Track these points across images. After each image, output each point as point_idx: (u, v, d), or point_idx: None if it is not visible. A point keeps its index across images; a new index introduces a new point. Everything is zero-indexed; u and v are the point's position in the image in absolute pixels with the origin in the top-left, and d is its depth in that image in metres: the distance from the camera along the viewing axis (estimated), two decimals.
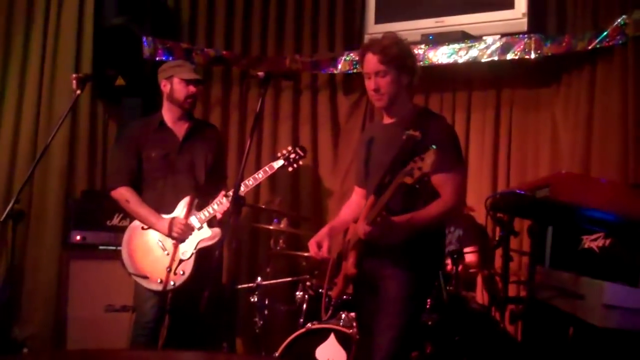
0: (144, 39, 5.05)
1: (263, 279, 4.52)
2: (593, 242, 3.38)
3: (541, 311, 3.04)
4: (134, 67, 5.05)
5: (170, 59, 5.08)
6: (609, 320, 2.33)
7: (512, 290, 3.93)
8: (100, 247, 4.80)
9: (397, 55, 3.06)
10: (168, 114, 4.11)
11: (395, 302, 2.95)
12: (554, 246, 3.62)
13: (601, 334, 2.47)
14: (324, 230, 3.28)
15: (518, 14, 4.60)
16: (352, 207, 3.36)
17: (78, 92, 3.88)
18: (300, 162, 4.21)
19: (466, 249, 4.38)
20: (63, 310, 4.79)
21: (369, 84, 3.11)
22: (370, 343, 3.03)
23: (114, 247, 4.68)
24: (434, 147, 2.52)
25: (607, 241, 3.29)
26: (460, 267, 4.06)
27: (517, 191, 2.77)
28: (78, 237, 4.79)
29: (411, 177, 2.54)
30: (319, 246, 3.21)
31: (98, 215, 4.85)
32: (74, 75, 3.98)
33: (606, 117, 4.34)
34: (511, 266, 3.93)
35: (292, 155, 4.16)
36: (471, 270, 4.30)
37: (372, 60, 3.07)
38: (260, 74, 3.04)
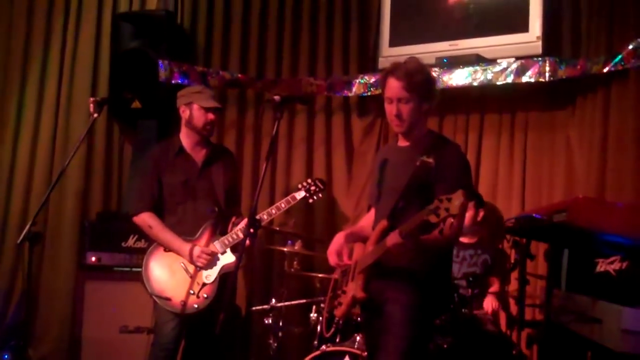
0: (160, 62, 5.12)
1: (277, 301, 4.53)
2: (610, 265, 3.37)
3: (558, 335, 3.03)
4: (150, 90, 5.11)
5: (186, 81, 5.14)
6: (627, 345, 2.32)
7: (528, 314, 3.91)
8: (116, 269, 4.82)
9: (422, 83, 3.05)
10: (186, 139, 4.16)
11: (399, 324, 2.95)
12: (569, 269, 3.61)
13: (619, 358, 2.45)
14: (340, 238, 3.23)
15: (532, 37, 4.61)
16: (369, 221, 3.34)
17: (95, 115, 3.94)
18: (320, 195, 4.35)
19: (493, 283, 4.39)
20: (78, 330, 4.83)
21: (391, 109, 3.08)
22: None
23: (129, 269, 4.71)
24: (461, 190, 2.52)
25: (624, 264, 3.28)
26: (477, 291, 4.06)
27: (535, 215, 2.77)
28: (93, 259, 4.83)
29: (436, 216, 2.54)
30: (339, 255, 3.19)
31: (113, 236, 4.89)
32: (91, 99, 4.06)
33: (621, 140, 4.32)
34: (527, 289, 3.93)
35: (313, 188, 4.33)
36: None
37: (395, 86, 3.04)
38: (277, 98, 3.07)
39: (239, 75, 5.42)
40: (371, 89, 5.13)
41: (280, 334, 4.51)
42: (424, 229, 2.70)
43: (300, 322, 4.67)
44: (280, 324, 4.52)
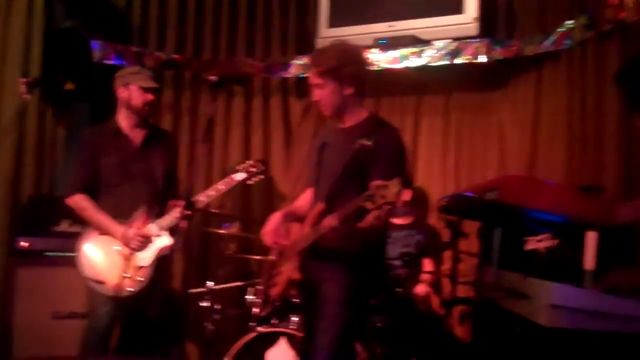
0: (94, 42, 4.99)
1: (214, 284, 4.49)
2: (540, 242, 3.45)
3: (489, 311, 3.08)
4: (83, 71, 4.98)
5: (121, 62, 5.04)
6: (555, 320, 2.37)
7: (463, 292, 3.96)
8: (48, 254, 4.70)
9: (334, 67, 3.06)
10: (124, 121, 4.09)
11: (334, 304, 2.98)
12: (502, 247, 3.68)
13: (547, 333, 2.50)
14: (276, 218, 3.23)
15: (468, 18, 4.65)
16: (305, 201, 3.34)
17: (27, 96, 3.82)
18: (261, 176, 4.32)
19: (426, 264, 4.45)
20: (9, 318, 4.69)
21: (313, 96, 3.16)
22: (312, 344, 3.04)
23: (62, 254, 4.60)
24: (398, 178, 2.54)
25: (554, 242, 3.36)
26: (411, 271, 4.11)
27: (467, 194, 2.81)
28: (24, 244, 4.69)
29: (372, 203, 2.56)
30: (275, 235, 3.18)
31: (45, 221, 4.75)
32: (22, 79, 3.93)
33: (552, 120, 4.41)
34: (461, 268, 3.99)
35: (253, 169, 4.29)
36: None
37: (311, 73, 3.14)
38: (213, 77, 3.03)
39: (176, 56, 5.33)
40: (309, 69, 5.10)
41: (216, 316, 4.48)
42: (359, 215, 2.71)
43: (237, 304, 4.65)
44: (217, 306, 4.50)
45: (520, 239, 3.55)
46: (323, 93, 3.09)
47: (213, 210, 4.83)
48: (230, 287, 4.58)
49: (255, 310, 4.13)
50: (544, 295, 2.41)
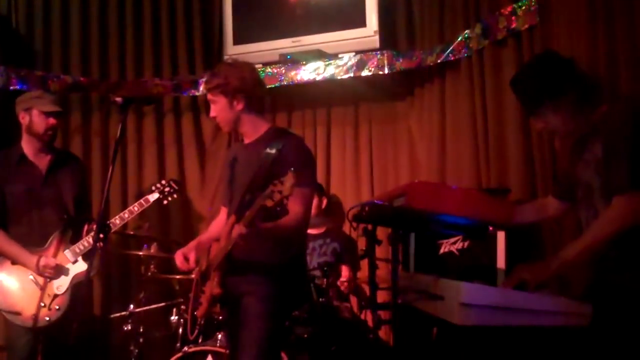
0: None
1: (136, 306, 4.46)
2: (452, 245, 3.59)
3: (407, 314, 3.17)
4: None
5: (25, 87, 4.94)
6: (465, 318, 2.46)
7: (381, 297, 4.05)
8: None
9: (220, 83, 3.16)
10: (28, 146, 4.03)
11: (256, 317, 3.02)
12: (417, 252, 3.81)
13: (460, 331, 2.61)
14: (191, 244, 3.32)
15: (370, 31, 4.78)
16: (220, 225, 3.39)
17: None
18: (175, 196, 4.31)
19: (343, 270, 4.55)
20: None
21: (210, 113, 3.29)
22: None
23: None
24: (292, 170, 2.62)
25: (465, 244, 3.50)
26: (331, 280, 4.19)
27: (376, 202, 2.90)
28: None
29: (272, 200, 2.62)
30: (186, 258, 3.23)
31: None
32: None
33: (457, 127, 4.55)
34: (379, 274, 4.08)
35: (167, 189, 4.32)
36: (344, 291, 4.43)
37: (205, 91, 3.29)
38: (119, 99, 3.02)
39: (81, 79, 5.27)
40: None
41: (141, 339, 4.44)
42: (266, 216, 2.77)
43: (161, 325, 4.61)
44: (141, 329, 4.45)
45: (433, 243, 3.69)
46: (215, 108, 3.21)
47: (130, 233, 4.80)
48: (153, 309, 4.54)
49: (181, 330, 4.12)
50: (455, 295, 2.50)
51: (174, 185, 4.35)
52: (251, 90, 3.21)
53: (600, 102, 2.74)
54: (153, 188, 4.31)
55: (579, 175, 2.80)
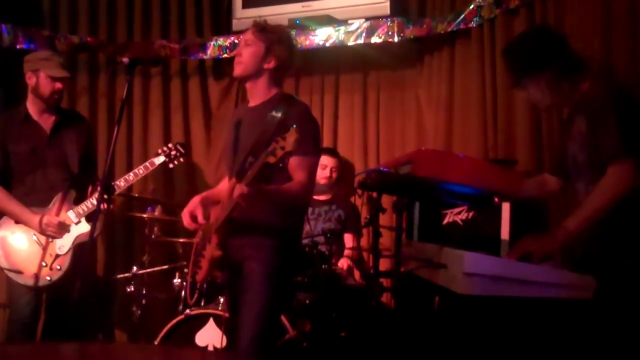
0: (3, 26, 4.87)
1: (139, 268, 4.48)
2: (457, 215, 3.57)
3: (410, 283, 3.18)
4: None
5: (32, 47, 4.91)
6: (468, 287, 2.46)
7: (384, 265, 4.05)
8: None
9: (271, 34, 3.14)
10: (33, 106, 4.01)
11: (257, 282, 3.01)
12: (421, 221, 3.80)
13: (463, 301, 2.61)
14: (195, 200, 3.24)
15: None
16: (226, 185, 3.36)
17: None
18: (182, 159, 4.30)
19: (347, 239, 4.54)
20: None
21: (236, 50, 3.22)
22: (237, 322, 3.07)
23: None
24: (294, 126, 2.59)
25: (470, 214, 3.48)
26: (334, 247, 4.19)
27: (382, 169, 2.88)
28: None
29: (274, 156, 2.59)
30: (193, 216, 3.19)
31: None
32: None
33: (466, 96, 4.53)
34: (384, 242, 4.09)
35: (173, 152, 4.29)
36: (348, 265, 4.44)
37: (248, 31, 3.19)
38: (125, 60, 2.99)
39: (89, 39, 5.23)
40: (226, 51, 5.11)
41: (143, 301, 4.47)
42: (268, 175, 2.75)
43: (164, 288, 4.64)
44: (144, 291, 4.48)
45: (438, 212, 3.67)
46: (247, 50, 3.14)
47: (135, 195, 4.80)
48: (156, 271, 4.56)
49: (184, 293, 4.14)
50: (458, 264, 2.49)
51: (180, 149, 4.33)
52: (288, 59, 3.20)
53: (583, 80, 2.82)
54: (159, 151, 4.30)
55: (568, 151, 2.88)
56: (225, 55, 5.13)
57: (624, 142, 2.61)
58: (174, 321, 3.89)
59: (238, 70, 3.18)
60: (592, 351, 2.59)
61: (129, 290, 4.45)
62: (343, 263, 4.38)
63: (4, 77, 4.85)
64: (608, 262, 2.66)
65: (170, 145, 4.36)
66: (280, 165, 2.64)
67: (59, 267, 3.85)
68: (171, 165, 4.33)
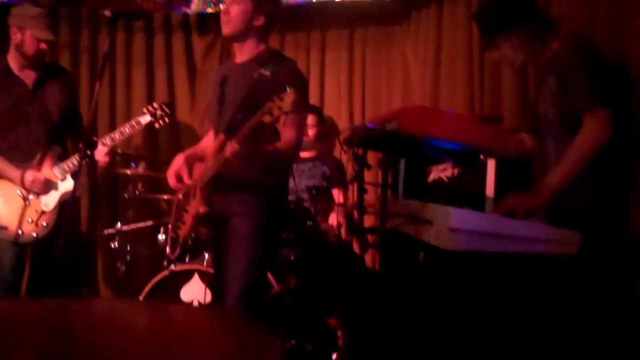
0: None
1: (123, 224, 4.46)
2: (442, 172, 3.57)
3: (394, 239, 3.19)
4: None
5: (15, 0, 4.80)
6: (453, 243, 2.46)
7: (370, 222, 4.06)
8: None
9: None
10: (14, 61, 3.93)
11: (243, 237, 3.01)
12: (407, 178, 3.80)
13: (447, 256, 2.62)
14: (179, 159, 3.22)
15: None
16: (209, 142, 3.33)
17: None
18: (167, 120, 4.27)
19: (335, 194, 4.54)
20: None
21: (223, 8, 3.13)
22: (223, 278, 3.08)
23: None
24: (291, 87, 2.56)
25: (455, 171, 3.48)
26: (319, 204, 4.19)
27: (368, 125, 2.86)
28: None
29: (270, 115, 2.57)
30: (178, 176, 3.18)
31: None
32: None
33: (452, 53, 4.51)
34: (369, 199, 4.09)
35: (159, 112, 4.22)
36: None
37: None
38: (107, 12, 2.93)
39: None
40: (211, 5, 5.03)
41: (128, 257, 4.47)
42: (260, 133, 2.73)
43: (148, 244, 4.64)
44: (128, 247, 4.47)
45: (423, 169, 3.67)
46: (235, 9, 3.07)
47: (118, 151, 4.76)
48: (140, 228, 4.54)
49: (167, 249, 4.13)
50: (443, 220, 2.49)
51: (166, 109, 4.28)
52: (275, 14, 3.15)
53: (553, 39, 2.86)
54: (145, 110, 4.23)
55: (539, 109, 2.94)
56: (210, 10, 5.05)
57: (596, 92, 2.65)
58: (159, 277, 3.90)
59: (226, 29, 3.12)
60: (575, 306, 2.62)
61: (113, 246, 4.44)
62: (334, 219, 4.37)
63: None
64: (588, 216, 2.68)
65: (155, 104, 4.30)
66: (276, 124, 2.63)
67: (45, 224, 3.84)
68: (157, 125, 4.29)
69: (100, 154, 3.90)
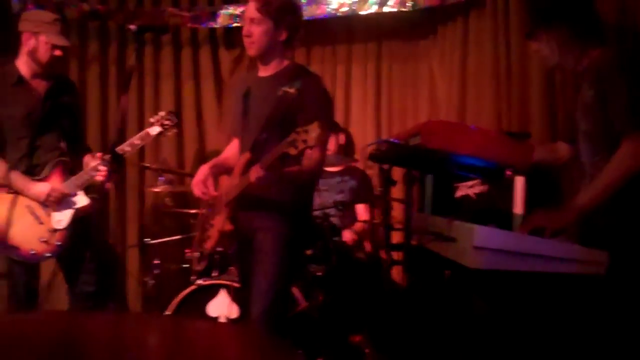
0: None
1: (151, 239, 4.48)
2: (470, 189, 3.53)
3: (420, 256, 3.16)
4: (1, 23, 4.79)
5: None
6: (477, 261, 2.43)
7: (396, 238, 4.03)
8: None
9: (278, 8, 3.04)
10: (26, 68, 3.74)
11: (269, 253, 3.00)
12: (435, 194, 3.76)
13: (473, 275, 2.58)
14: (204, 169, 3.18)
15: None
16: (232, 153, 3.33)
17: None
18: (175, 130, 4.04)
19: (360, 210, 4.51)
20: None
21: (244, 30, 3.09)
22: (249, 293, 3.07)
23: None
24: (319, 120, 2.54)
25: (483, 187, 3.45)
26: (347, 220, 4.17)
27: (391, 140, 2.84)
28: None
29: (295, 148, 2.56)
30: (204, 186, 3.14)
31: None
32: None
33: (479, 67, 4.48)
34: (396, 215, 4.07)
35: (167, 122, 3.94)
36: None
37: (251, 7, 3.05)
38: (133, 27, 2.94)
39: (99, 7, 5.19)
40: (237, 19, 5.06)
41: (156, 271, 4.49)
42: (284, 161, 2.73)
43: (176, 258, 4.66)
44: (157, 261, 4.50)
45: (451, 186, 3.64)
46: (257, 30, 3.04)
47: (147, 165, 4.77)
48: (168, 242, 4.56)
49: (195, 264, 4.14)
50: (468, 238, 2.46)
51: (173, 117, 3.98)
52: (298, 27, 3.12)
53: (595, 46, 2.73)
54: (152, 121, 3.96)
55: (576, 118, 2.82)
56: (236, 24, 5.07)
57: (634, 115, 2.54)
58: (186, 292, 3.90)
59: (252, 51, 3.10)
60: (602, 327, 2.56)
61: (142, 260, 4.45)
62: (348, 236, 4.33)
63: (14, 44, 4.79)
64: (617, 236, 2.63)
65: (162, 113, 4.00)
66: (301, 157, 2.63)
67: (58, 243, 3.63)
68: (165, 136, 4.04)
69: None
